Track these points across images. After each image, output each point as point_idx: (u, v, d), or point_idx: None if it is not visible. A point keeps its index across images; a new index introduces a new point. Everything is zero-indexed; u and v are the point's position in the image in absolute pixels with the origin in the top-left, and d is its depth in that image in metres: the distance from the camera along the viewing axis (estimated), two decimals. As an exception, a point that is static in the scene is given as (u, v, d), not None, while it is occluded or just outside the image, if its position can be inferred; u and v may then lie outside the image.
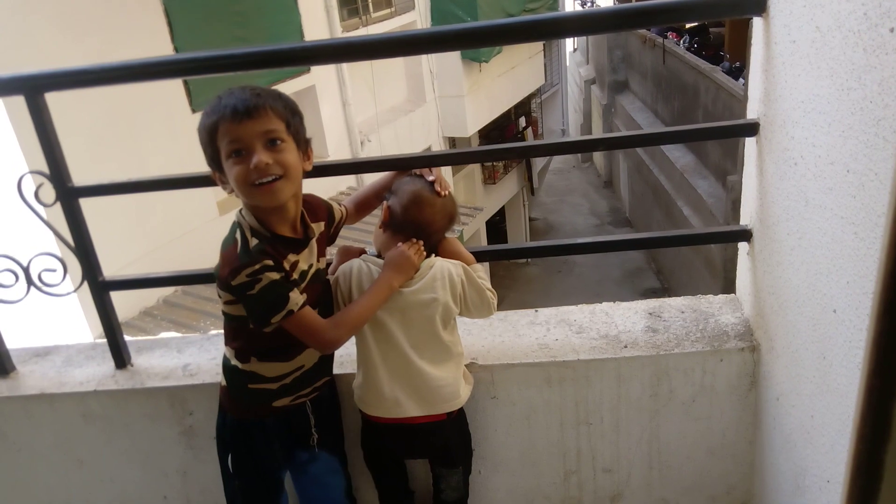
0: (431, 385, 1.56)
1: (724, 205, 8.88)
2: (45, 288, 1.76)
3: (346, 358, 1.77)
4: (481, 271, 1.66)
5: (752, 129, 1.55)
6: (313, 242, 1.48)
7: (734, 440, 1.79)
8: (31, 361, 1.97)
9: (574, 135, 20.13)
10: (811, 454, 1.41)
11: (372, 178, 1.75)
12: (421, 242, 1.55)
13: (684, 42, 12.83)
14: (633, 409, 1.76)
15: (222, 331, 1.56)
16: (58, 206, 1.70)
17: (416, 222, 1.57)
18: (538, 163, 15.07)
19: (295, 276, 1.40)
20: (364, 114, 8.74)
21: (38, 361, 1.97)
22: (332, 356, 1.64)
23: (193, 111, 6.39)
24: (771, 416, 1.64)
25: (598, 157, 19.10)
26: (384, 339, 1.55)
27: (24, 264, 1.76)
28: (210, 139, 1.32)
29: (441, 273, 1.56)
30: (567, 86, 19.89)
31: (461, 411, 1.68)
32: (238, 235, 1.36)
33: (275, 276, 1.32)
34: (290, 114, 1.35)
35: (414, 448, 1.70)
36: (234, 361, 1.51)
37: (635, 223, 14.74)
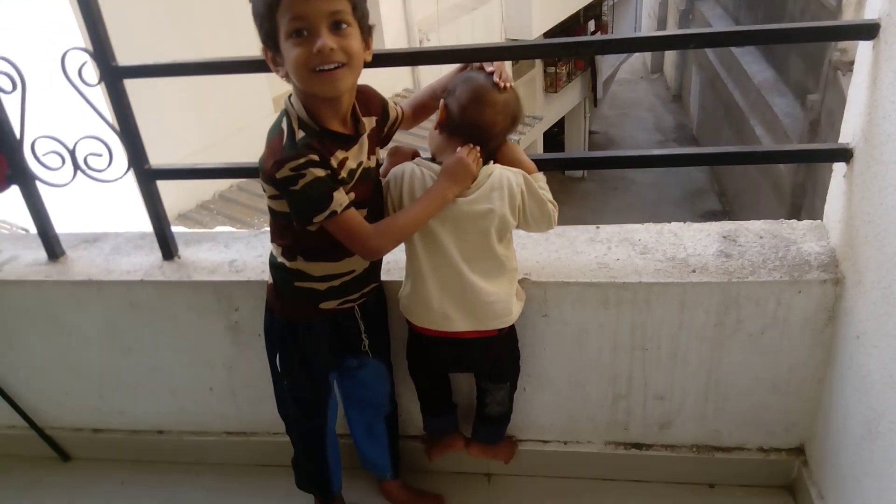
0: (483, 300, 1.48)
1: (800, 125, 8.30)
2: (90, 172, 1.72)
3: (393, 265, 1.69)
4: (542, 181, 1.53)
5: (870, 30, 1.33)
6: (364, 139, 1.36)
7: (801, 377, 1.67)
8: (80, 247, 1.97)
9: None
10: (891, 398, 1.29)
11: (430, 82, 1.60)
12: (479, 148, 1.42)
13: (775, -55, 11.70)
14: (694, 337, 1.65)
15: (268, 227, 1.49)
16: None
17: (475, 123, 1.44)
18: (604, 71, 14.34)
19: (343, 174, 1.30)
20: (424, 11, 8.35)
21: (87, 248, 1.96)
22: (380, 261, 1.57)
23: None
24: (848, 355, 1.50)
25: (668, 68, 18.07)
26: (435, 249, 1.45)
27: (71, 147, 1.71)
28: (269, 12, 1.18)
29: (499, 182, 1.44)
30: (642, -11, 18.64)
31: (512, 328, 1.60)
32: (284, 125, 1.27)
33: (320, 172, 1.23)
34: None
35: (461, 362, 1.64)
36: (280, 259, 1.44)
37: (702, 141, 14.06)
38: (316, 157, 1.23)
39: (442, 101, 1.47)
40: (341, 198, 1.27)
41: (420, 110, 1.58)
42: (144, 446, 2.11)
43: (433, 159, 1.49)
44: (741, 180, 11.29)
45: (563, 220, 1.65)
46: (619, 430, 1.85)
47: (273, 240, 1.46)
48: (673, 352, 1.68)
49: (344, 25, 1.18)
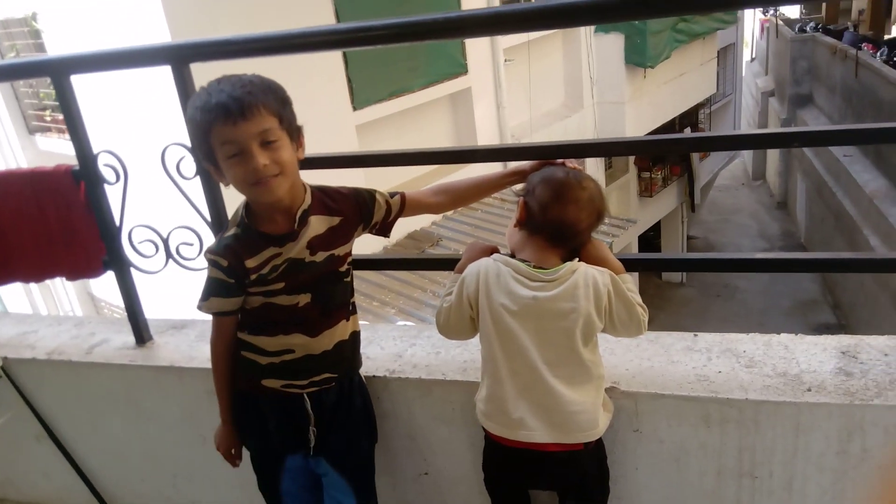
0: (566, 409, 1.35)
1: (922, 236, 7.73)
2: (181, 260, 1.77)
3: (469, 364, 1.60)
4: (630, 283, 1.43)
5: None
6: (303, 235, 1.41)
7: (948, 524, 1.40)
8: (168, 333, 2.00)
9: (748, 153, 18.71)
10: None
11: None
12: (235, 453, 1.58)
13: (881, 54, 11.41)
14: (812, 465, 1.44)
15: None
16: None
17: (559, 221, 1.38)
18: (702, 177, 14.09)
19: (265, 270, 1.39)
20: (518, 118, 8.57)
21: (174, 334, 2.00)
22: (341, 353, 1.50)
23: (354, 109, 6.57)
24: None
25: (771, 175, 17.56)
26: (514, 349, 1.36)
27: (164, 236, 1.77)
28: (204, 137, 1.30)
29: (585, 280, 1.35)
30: (741, 97, 18.52)
31: (600, 442, 1.45)
32: (230, 219, 1.44)
33: (214, 273, 1.39)
34: (282, 106, 1.32)
35: (542, 478, 1.49)
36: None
37: (812, 250, 13.34)
38: (222, 261, 1.37)
39: (521, 199, 1.43)
40: (217, 304, 1.42)
41: (454, 199, 1.63)
42: (212, 542, 2.04)
43: (513, 256, 1.43)
44: (857, 292, 10.52)
45: (660, 327, 1.52)
46: (723, 570, 1.61)
47: None
48: (787, 481, 1.47)
49: (273, 140, 1.29)
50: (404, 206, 1.56)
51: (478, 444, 1.54)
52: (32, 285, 8.27)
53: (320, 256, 1.43)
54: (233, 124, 1.24)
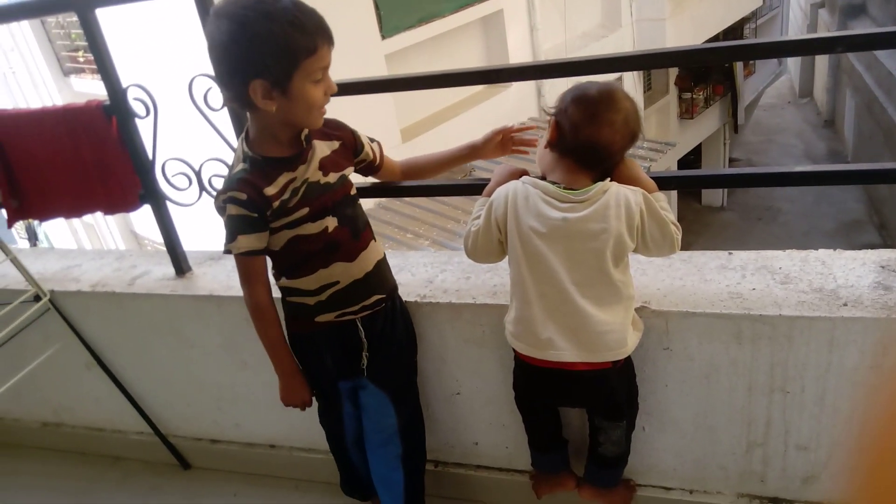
0: (595, 329, 1.35)
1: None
2: (214, 192, 1.79)
3: (499, 288, 1.61)
4: (664, 201, 1.40)
5: None
6: (313, 157, 1.41)
7: None
8: (206, 264, 2.05)
9: (794, 69, 17.83)
10: None
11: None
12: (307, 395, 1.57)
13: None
14: (845, 380, 1.43)
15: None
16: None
17: (591, 143, 1.34)
18: (746, 97, 13.56)
19: (286, 195, 1.37)
20: (553, 40, 8.30)
21: (212, 265, 2.05)
22: (383, 273, 1.55)
23: (384, 38, 6.43)
24: None
25: (819, 92, 16.78)
26: (542, 271, 1.36)
27: (197, 169, 1.79)
28: (295, 57, 1.23)
29: (616, 200, 1.32)
30: (788, 9, 17.54)
31: (629, 360, 1.46)
32: (233, 162, 1.42)
33: (234, 210, 1.35)
34: None
35: (571, 396, 1.51)
36: (274, 278, 1.51)
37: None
38: (240, 195, 1.33)
39: (552, 118, 1.39)
40: (246, 242, 1.38)
41: (417, 173, 1.70)
42: (257, 459, 2.15)
43: (543, 178, 1.41)
44: (906, 211, 10.16)
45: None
46: (754, 482, 1.64)
47: None
48: (819, 396, 1.47)
49: None
50: (382, 161, 1.62)
51: (508, 365, 1.57)
52: (77, 224, 8.52)
53: (333, 177, 1.44)
54: (329, 47, 1.27)
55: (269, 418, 2.07)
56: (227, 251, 1.40)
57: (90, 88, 7.18)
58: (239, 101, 1.31)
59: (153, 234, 7.55)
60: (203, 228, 3.09)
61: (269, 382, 1.98)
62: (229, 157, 1.74)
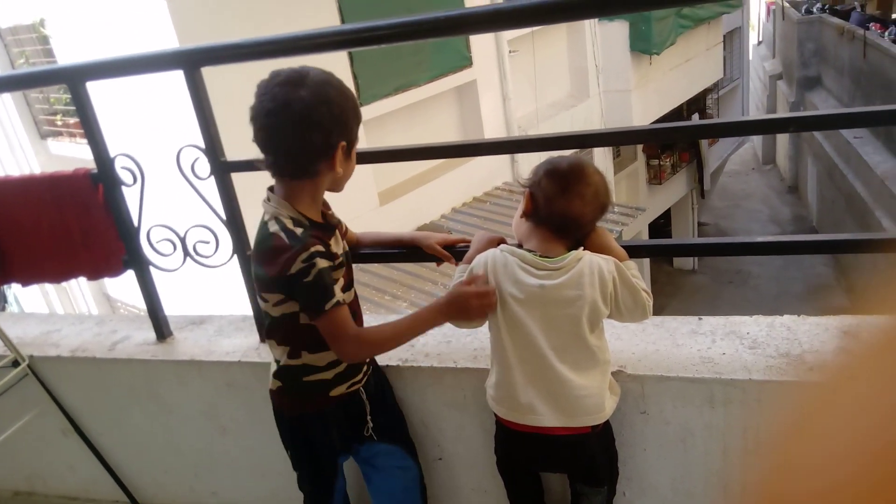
0: (573, 394, 1.39)
1: (934, 216, 7.68)
2: (198, 258, 1.82)
3: (479, 352, 1.65)
4: (634, 269, 1.46)
5: None
6: (339, 225, 1.48)
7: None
8: (187, 329, 2.06)
9: (757, 138, 18.55)
10: None
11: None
12: (493, 289, 1.40)
13: (890, 33, 11.31)
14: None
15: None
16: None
17: (563, 215, 1.41)
18: (711, 164, 14.04)
19: (339, 258, 1.39)
20: (524, 109, 8.59)
21: (193, 329, 2.06)
22: None
23: (361, 105, 6.60)
24: None
25: (781, 159, 17.46)
26: (520, 336, 1.40)
27: (181, 235, 1.83)
28: (359, 121, 1.36)
29: (590, 268, 1.38)
30: (749, 81, 18.40)
31: (607, 425, 1.49)
32: (276, 228, 1.32)
33: (324, 263, 1.30)
34: None
35: (552, 461, 1.54)
36: (284, 361, 1.47)
37: (823, 233, 13.28)
38: (321, 248, 1.30)
39: (527, 190, 1.46)
40: (338, 292, 1.33)
41: (371, 244, 1.71)
42: (233, 532, 2.11)
43: (520, 246, 1.47)
44: (871, 275, 10.47)
45: (672, 314, 1.55)
46: (731, 547, 1.65)
47: (276, 345, 1.48)
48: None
49: None
50: (347, 234, 1.60)
51: (489, 429, 1.59)
52: (49, 288, 8.38)
53: (346, 247, 1.50)
54: None
55: (247, 485, 2.04)
56: (333, 305, 1.31)
57: (68, 152, 7.20)
58: (316, 166, 1.31)
59: (127, 296, 7.43)
60: (183, 293, 3.10)
61: (249, 448, 1.98)
62: (214, 223, 1.79)
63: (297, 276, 1.28)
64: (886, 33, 11.35)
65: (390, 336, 1.41)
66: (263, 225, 1.36)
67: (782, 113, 15.29)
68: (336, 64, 6.52)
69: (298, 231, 1.31)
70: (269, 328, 1.47)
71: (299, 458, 1.60)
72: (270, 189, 1.39)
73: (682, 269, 13.03)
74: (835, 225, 12.29)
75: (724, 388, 1.47)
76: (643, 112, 10.17)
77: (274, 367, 1.51)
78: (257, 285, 1.41)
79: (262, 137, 1.31)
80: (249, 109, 1.30)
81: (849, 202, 11.05)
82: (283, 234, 1.31)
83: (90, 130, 1.84)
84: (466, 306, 1.39)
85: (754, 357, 1.51)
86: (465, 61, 7.59)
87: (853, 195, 10.61)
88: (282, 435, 1.60)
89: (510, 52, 8.08)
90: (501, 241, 1.53)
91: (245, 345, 1.92)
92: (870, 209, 9.74)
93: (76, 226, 1.90)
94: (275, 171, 1.35)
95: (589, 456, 1.49)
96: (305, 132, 1.27)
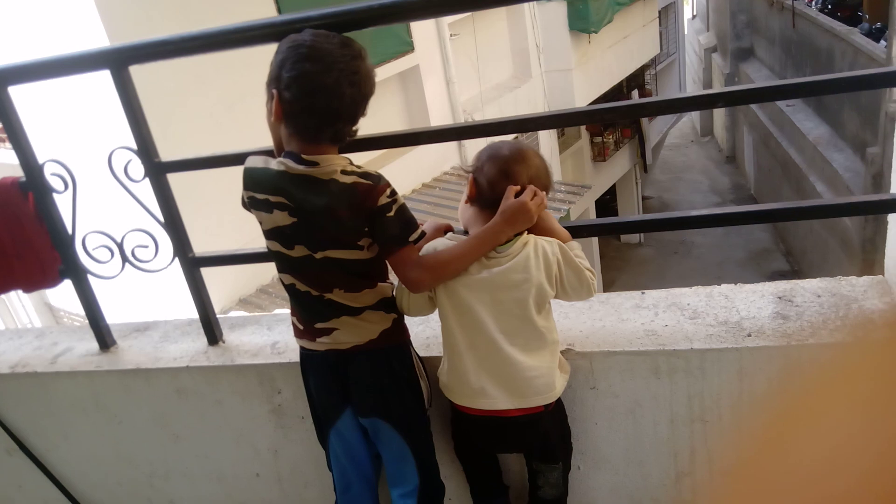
0: (523, 375, 1.42)
1: (862, 179, 8.03)
2: (138, 264, 1.77)
3: (432, 340, 1.66)
4: (578, 249, 1.49)
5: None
6: None
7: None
8: (131, 336, 2.01)
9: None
10: None
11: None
12: (544, 193, 1.42)
13: (817, 3, 11.71)
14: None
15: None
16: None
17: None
18: (652, 138, 14.34)
19: None
20: (468, 92, 8.60)
21: (137, 337, 2.01)
22: None
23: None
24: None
25: (719, 130, 17.95)
26: (470, 322, 1.42)
27: (119, 240, 1.78)
28: None
29: (535, 251, 1.41)
30: (685, 55, 18.80)
31: (559, 402, 1.53)
32: (354, 178, 1.35)
33: (402, 198, 1.39)
34: None
35: (507, 442, 1.56)
36: (383, 296, 1.48)
37: (761, 200, 13.73)
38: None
39: (471, 175, 1.47)
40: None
41: None
42: (194, 537, 2.08)
43: (466, 233, 1.48)
44: (807, 238, 10.90)
45: (621, 288, 1.60)
46: (684, 511, 1.72)
47: (367, 291, 1.46)
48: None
49: None
50: None
51: (445, 415, 1.60)
52: (-14, 300, 8.05)
53: None
54: None
55: (204, 492, 2.02)
56: (420, 235, 1.41)
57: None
58: (350, 129, 1.39)
59: (71, 305, 7.19)
60: (126, 300, 3.02)
61: (204, 454, 1.96)
62: (152, 226, 1.74)
63: (381, 210, 1.35)
64: (813, 2, 11.73)
65: (456, 257, 1.40)
66: (328, 183, 1.35)
67: (712, 89, 15.70)
68: (273, 55, 6.39)
69: (373, 172, 1.38)
70: (362, 274, 1.44)
71: (419, 387, 1.55)
72: (290, 157, 1.36)
73: (629, 242, 13.33)
74: (772, 192, 12.74)
75: (668, 359, 1.52)
76: (585, 90, 10.29)
77: (377, 306, 1.48)
78: (349, 239, 1.39)
79: (346, 107, 1.34)
80: (324, 87, 1.30)
81: (784, 169, 11.45)
82: (362, 179, 1.35)
83: (15, 137, 1.76)
84: (526, 211, 1.39)
85: (695, 327, 1.56)
86: (407, 46, 7.54)
87: (788, 162, 10.99)
88: (406, 370, 1.54)
89: (451, 35, 8.07)
90: (448, 228, 1.54)
91: (192, 349, 1.89)
92: (804, 175, 10.11)
93: (8, 237, 1.83)
94: (336, 139, 1.39)
95: (543, 434, 1.52)
96: (336, 103, 1.34)
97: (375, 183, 1.35)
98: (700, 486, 1.67)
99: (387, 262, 1.44)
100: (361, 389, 1.51)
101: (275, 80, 1.35)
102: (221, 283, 5.01)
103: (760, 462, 0.37)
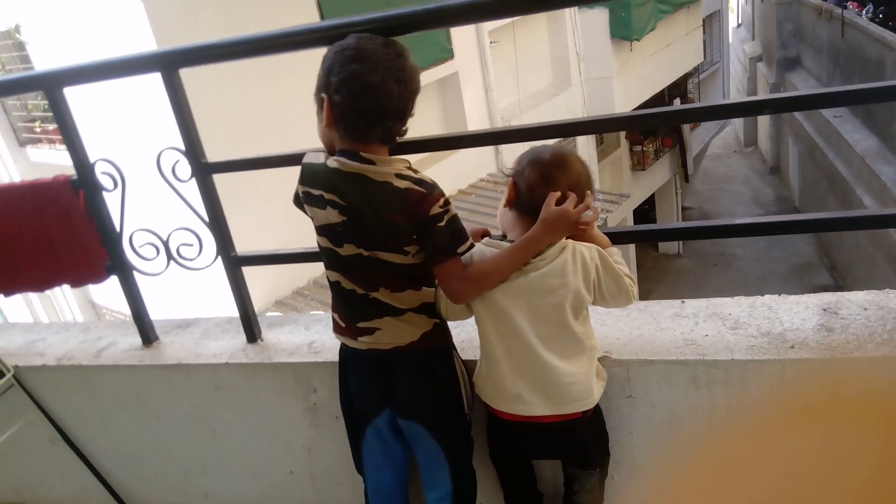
0: (560, 381, 1.41)
1: (913, 193, 7.78)
2: (182, 262, 1.82)
3: (467, 343, 1.66)
4: (618, 255, 1.48)
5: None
6: None
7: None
8: (173, 333, 2.06)
9: (738, 120, 18.67)
10: None
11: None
12: (589, 202, 1.41)
13: (867, 12, 11.41)
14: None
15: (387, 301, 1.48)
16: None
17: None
18: (694, 148, 14.12)
19: None
20: (507, 99, 8.60)
21: (179, 333, 2.05)
22: None
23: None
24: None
25: (763, 141, 17.58)
26: (507, 328, 1.41)
27: (164, 238, 1.82)
28: None
29: (573, 257, 1.40)
30: (729, 64, 18.50)
31: (597, 408, 1.51)
32: (408, 183, 1.36)
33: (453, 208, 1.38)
34: None
35: (544, 448, 1.55)
36: (426, 300, 1.48)
37: (806, 213, 13.38)
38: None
39: (510, 180, 1.47)
40: None
41: None
42: (228, 532, 2.11)
43: (504, 237, 1.48)
44: (852, 252, 10.59)
45: (658, 299, 1.57)
46: (721, 526, 1.68)
47: (410, 292, 1.46)
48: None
49: None
50: None
51: (481, 420, 1.60)
52: (33, 296, 8.31)
53: None
54: None
55: (238, 487, 2.05)
56: (469, 247, 1.40)
57: (48, 159, 7.13)
58: (399, 127, 1.40)
59: (112, 302, 7.38)
60: (169, 297, 3.09)
61: (239, 450, 1.99)
62: (197, 225, 1.78)
63: (432, 220, 1.36)
64: (864, 11, 11.44)
65: (495, 269, 1.40)
66: (381, 185, 1.36)
67: (759, 95, 15.37)
68: (317, 62, 6.47)
69: (428, 179, 1.38)
70: (409, 276, 1.45)
71: (459, 392, 1.55)
72: (345, 155, 1.37)
73: (668, 253, 13.13)
74: (817, 204, 12.41)
75: (708, 369, 1.49)
76: (625, 98, 10.20)
77: (413, 314, 1.48)
78: (396, 243, 1.40)
79: (393, 104, 1.35)
80: (371, 85, 1.32)
81: (830, 181, 11.16)
82: (416, 186, 1.36)
83: (69, 136, 1.82)
84: (566, 219, 1.38)
85: (736, 337, 1.53)
86: (447, 54, 7.58)
87: (834, 174, 10.71)
88: (449, 374, 1.54)
89: (491, 42, 8.08)
90: (486, 233, 1.53)
91: (232, 346, 1.92)
92: (851, 187, 9.84)
93: (58, 233, 1.89)
94: (386, 138, 1.40)
95: (581, 441, 1.50)
96: (393, 104, 1.36)
97: (430, 192, 1.36)
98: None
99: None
100: (404, 391, 1.51)
101: (324, 87, 1.37)
102: (259, 285, 5.08)
103: (802, 473, 0.36)
